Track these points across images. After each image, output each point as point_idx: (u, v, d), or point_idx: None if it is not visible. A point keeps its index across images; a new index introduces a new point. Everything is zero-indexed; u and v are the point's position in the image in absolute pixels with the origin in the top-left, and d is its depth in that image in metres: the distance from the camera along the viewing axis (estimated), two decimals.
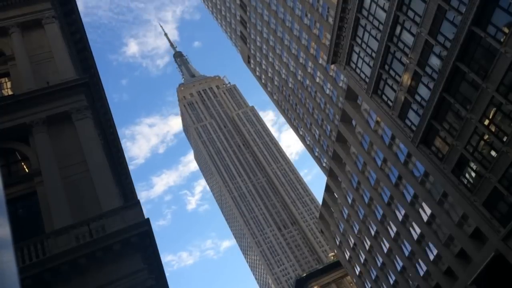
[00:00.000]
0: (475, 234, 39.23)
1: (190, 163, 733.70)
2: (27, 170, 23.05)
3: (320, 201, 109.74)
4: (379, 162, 52.47)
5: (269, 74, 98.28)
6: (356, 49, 48.60)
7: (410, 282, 54.72)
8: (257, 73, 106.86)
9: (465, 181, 38.73)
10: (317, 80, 74.90)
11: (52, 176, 21.54)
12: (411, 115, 42.71)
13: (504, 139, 33.57)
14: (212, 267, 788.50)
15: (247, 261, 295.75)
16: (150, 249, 19.37)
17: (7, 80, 27.15)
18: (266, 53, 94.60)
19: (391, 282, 59.75)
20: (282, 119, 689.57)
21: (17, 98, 24.36)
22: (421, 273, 50.86)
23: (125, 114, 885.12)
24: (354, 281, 78.51)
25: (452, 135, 38.33)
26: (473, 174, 38.18)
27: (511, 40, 30.70)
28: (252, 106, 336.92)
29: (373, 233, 60.88)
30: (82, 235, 18.36)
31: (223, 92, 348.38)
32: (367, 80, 47.82)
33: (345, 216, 69.79)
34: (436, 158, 40.81)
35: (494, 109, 34.12)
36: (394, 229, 53.98)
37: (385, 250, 58.50)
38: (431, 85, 38.57)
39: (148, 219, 19.00)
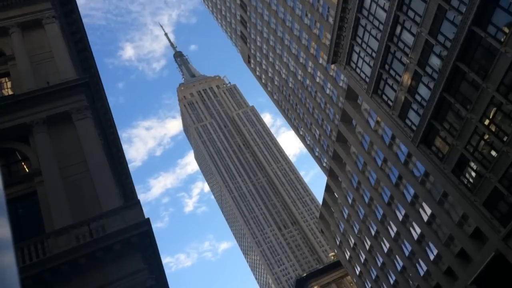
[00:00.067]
0: (475, 234, 39.22)
1: (187, 166, 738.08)
2: (27, 170, 23.05)
3: (320, 201, 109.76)
4: (379, 162, 52.47)
5: (269, 74, 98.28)
6: (356, 49, 48.60)
7: (410, 282, 54.72)
8: (257, 73, 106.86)
9: (466, 181, 38.73)
10: (317, 80, 74.89)
11: (52, 176, 21.54)
12: (412, 115, 42.71)
13: (505, 139, 33.57)
14: (210, 269, 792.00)
15: (247, 261, 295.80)
16: (150, 249, 19.37)
17: (7, 80, 27.16)
18: (266, 53, 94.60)
19: (391, 282, 59.75)
20: (279, 122, 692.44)
21: (17, 98, 24.36)
22: (421, 273, 50.86)
23: (122, 117, 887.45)
24: (354, 281, 78.51)
25: (452, 135, 38.33)
26: (474, 174, 38.18)
27: (511, 40, 30.69)
28: (253, 106, 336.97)
29: (373, 233, 60.88)
30: (82, 235, 18.37)
31: (223, 92, 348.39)
32: (367, 80, 47.81)
33: (345, 216, 69.79)
34: (436, 158, 40.80)
35: (494, 109, 34.11)
36: (394, 229, 53.98)
37: (385, 250, 58.49)
38: (431, 85, 38.57)
39: (148, 219, 19.00)
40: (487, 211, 36.79)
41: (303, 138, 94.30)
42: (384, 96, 46.26)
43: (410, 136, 43.10)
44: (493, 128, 34.80)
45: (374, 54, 45.16)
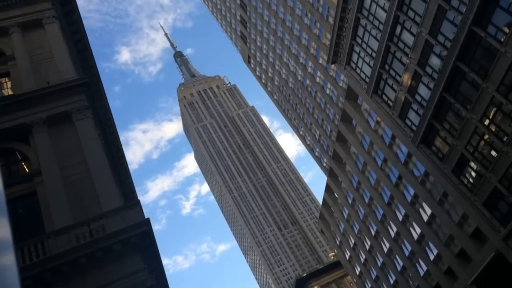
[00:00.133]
0: (475, 234, 39.22)
1: (184, 168, 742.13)
2: (27, 170, 23.05)
3: (320, 201, 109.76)
4: (379, 162, 52.47)
5: (269, 74, 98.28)
6: (356, 49, 48.60)
7: (410, 282, 54.72)
8: (257, 73, 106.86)
9: (466, 181, 38.73)
10: (317, 80, 74.89)
11: (53, 176, 21.54)
12: (412, 115, 42.71)
13: (505, 139, 33.57)
14: (208, 271, 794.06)
15: (248, 261, 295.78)
16: (150, 249, 19.37)
17: (7, 80, 27.16)
18: (266, 53, 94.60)
19: (391, 282, 59.75)
20: (276, 124, 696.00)
21: (17, 98, 24.36)
22: (421, 273, 50.85)
23: (119, 120, 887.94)
24: (354, 281, 78.51)
25: (452, 135, 38.33)
26: (474, 174, 38.18)
27: (511, 40, 30.69)
28: (253, 106, 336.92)
29: (373, 233, 60.88)
30: (82, 235, 18.37)
31: (223, 92, 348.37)
32: (367, 80, 47.81)
33: (345, 216, 69.79)
34: (436, 158, 40.80)
35: (495, 109, 34.12)
36: (394, 229, 53.98)
37: (385, 250, 58.49)
38: (431, 85, 38.57)
39: (148, 219, 19.00)
40: (487, 211, 36.79)
41: (303, 138, 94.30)
42: (384, 96, 46.26)
43: (410, 136, 43.10)
44: (493, 128, 34.80)
45: (374, 54, 45.16)
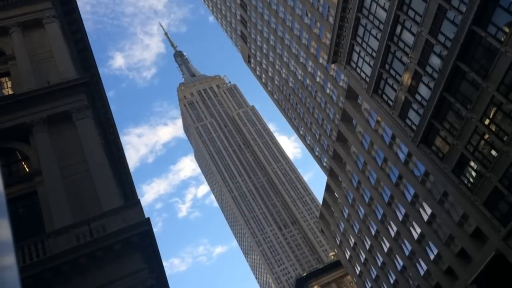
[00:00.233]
0: (476, 233, 39.22)
1: (180, 172, 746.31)
2: (27, 170, 23.05)
3: (320, 200, 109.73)
4: (379, 162, 52.46)
5: (270, 74, 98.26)
6: (357, 48, 48.59)
7: (411, 282, 54.72)
8: (258, 73, 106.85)
9: (466, 181, 38.72)
10: (318, 79, 74.87)
11: (53, 176, 21.54)
12: (412, 114, 42.70)
13: (505, 138, 33.56)
14: (205, 273, 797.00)
15: (248, 261, 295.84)
16: (150, 248, 19.38)
17: (7, 80, 27.15)
18: (266, 52, 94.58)
19: (392, 281, 59.75)
20: (272, 127, 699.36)
21: (17, 98, 24.36)
22: (422, 273, 50.86)
23: None
24: (355, 280, 78.52)
25: (452, 135, 38.32)
26: (474, 174, 38.17)
27: (511, 39, 30.68)
28: (253, 106, 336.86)
29: (373, 232, 60.88)
30: (82, 234, 18.37)
31: (223, 91, 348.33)
32: (367, 79, 47.80)
33: (346, 215, 69.79)
34: (436, 157, 40.80)
35: (495, 108, 34.11)
36: (395, 228, 53.98)
37: (386, 250, 58.49)
38: (431, 85, 38.56)
39: (148, 218, 19.01)
40: (487, 211, 36.79)
41: (303, 138, 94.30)
42: (384, 96, 46.25)
43: (410, 135, 43.09)
44: (493, 128, 34.80)
45: (374, 54, 45.15)
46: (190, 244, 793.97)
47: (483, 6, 31.72)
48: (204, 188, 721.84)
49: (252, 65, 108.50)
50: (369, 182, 56.97)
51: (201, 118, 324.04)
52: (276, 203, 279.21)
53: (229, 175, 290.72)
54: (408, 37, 40.14)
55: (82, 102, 24.53)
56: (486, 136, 35.63)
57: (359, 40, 47.63)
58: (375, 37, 44.39)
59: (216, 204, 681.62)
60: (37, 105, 24.03)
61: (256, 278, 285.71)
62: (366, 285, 70.37)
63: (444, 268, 45.76)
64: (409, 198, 48.24)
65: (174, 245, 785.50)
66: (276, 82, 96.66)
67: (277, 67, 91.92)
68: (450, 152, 39.01)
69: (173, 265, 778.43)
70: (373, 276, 65.98)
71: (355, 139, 56.95)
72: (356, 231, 67.27)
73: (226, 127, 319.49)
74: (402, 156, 47.05)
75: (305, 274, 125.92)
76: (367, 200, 59.48)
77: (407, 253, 52.96)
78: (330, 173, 70.36)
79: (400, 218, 51.53)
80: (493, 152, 35.38)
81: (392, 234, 55.02)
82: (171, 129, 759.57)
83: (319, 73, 73.55)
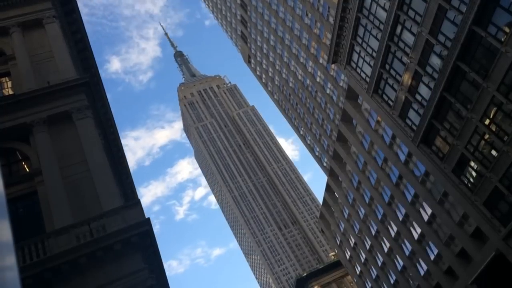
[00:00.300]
0: (476, 233, 39.21)
1: (177, 174, 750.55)
2: (27, 170, 23.05)
3: (320, 200, 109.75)
4: (379, 162, 52.46)
5: (270, 74, 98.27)
6: (357, 48, 48.58)
7: (411, 282, 54.71)
8: (258, 73, 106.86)
9: (466, 181, 38.72)
10: (318, 79, 74.88)
11: (53, 176, 21.55)
12: (412, 114, 42.70)
13: (505, 138, 33.56)
14: (203, 275, 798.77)
15: (248, 261, 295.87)
16: (150, 248, 19.38)
17: (7, 80, 27.16)
18: (266, 52, 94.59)
19: (392, 281, 59.75)
20: (271, 129, 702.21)
21: (17, 98, 24.36)
22: (422, 273, 50.85)
23: None
24: (355, 280, 78.51)
25: (452, 135, 38.32)
26: (474, 174, 38.16)
27: (511, 39, 30.67)
28: (253, 106, 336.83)
29: (373, 232, 60.87)
30: (82, 234, 18.37)
31: (223, 91, 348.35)
32: (367, 79, 47.80)
33: (346, 215, 69.78)
34: (436, 157, 40.79)
35: (495, 108, 34.10)
36: (395, 228, 53.97)
37: (386, 250, 58.49)
38: (431, 85, 38.55)
39: (148, 218, 19.01)
40: (487, 211, 36.78)
41: (303, 138, 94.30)
42: (384, 96, 46.25)
43: (410, 135, 43.09)
44: (493, 128, 34.79)
45: (374, 54, 45.14)
46: (188, 246, 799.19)
47: (483, 6, 31.71)
48: (202, 190, 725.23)
49: (252, 65, 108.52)
50: (369, 182, 56.96)
51: (201, 118, 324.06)
52: (276, 203, 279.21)
53: (229, 175, 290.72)
54: (408, 37, 40.14)
55: (82, 102, 24.53)
56: (486, 136, 35.62)
57: (359, 40, 47.63)
58: (375, 37, 44.38)
59: (213, 206, 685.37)
60: (37, 105, 24.03)
61: (257, 278, 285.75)
62: (366, 285, 70.37)
63: (444, 268, 45.76)
64: (409, 198, 48.23)
65: (172, 247, 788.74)
66: (276, 82, 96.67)
67: (277, 67, 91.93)
68: (450, 152, 39.00)
69: (171, 267, 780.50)
70: (373, 276, 65.97)
71: (355, 139, 56.95)
72: (356, 231, 67.26)
73: (226, 127, 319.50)
74: (402, 156, 47.05)
75: (305, 274, 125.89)
76: (367, 200, 59.48)
77: (407, 253, 52.96)
78: (330, 173, 70.36)
79: (400, 218, 51.52)
80: (493, 152, 35.38)
81: (392, 234, 55.01)
82: (168, 132, 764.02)
83: (319, 73, 73.54)
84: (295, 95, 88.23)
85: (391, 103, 45.15)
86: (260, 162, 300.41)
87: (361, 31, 46.96)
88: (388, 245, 57.37)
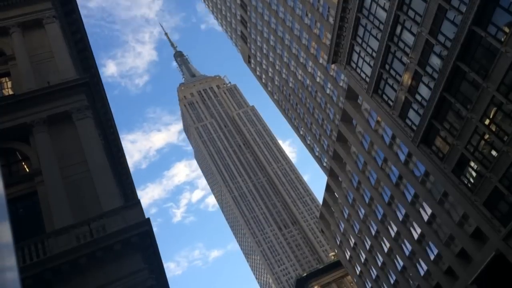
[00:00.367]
0: (476, 233, 39.21)
1: (174, 177, 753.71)
2: (27, 170, 23.05)
3: (320, 200, 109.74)
4: (379, 162, 52.46)
5: (270, 74, 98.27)
6: (357, 48, 48.59)
7: (411, 282, 54.71)
8: (258, 73, 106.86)
9: (466, 181, 38.72)
10: (318, 79, 74.88)
11: (53, 176, 21.54)
12: (412, 114, 42.70)
13: (505, 138, 33.56)
14: (201, 277, 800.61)
15: (248, 262, 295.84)
16: (150, 249, 19.38)
17: (7, 80, 27.15)
18: (266, 52, 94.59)
19: (392, 281, 59.74)
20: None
21: (17, 98, 24.36)
22: (422, 273, 50.85)
23: None
24: (355, 280, 78.51)
25: (452, 135, 38.32)
26: (474, 174, 38.16)
27: (511, 39, 30.68)
28: (253, 106, 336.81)
29: (373, 232, 60.87)
30: (82, 234, 18.37)
31: (223, 91, 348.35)
32: (367, 79, 47.80)
33: (346, 215, 69.78)
34: (436, 157, 40.79)
35: (495, 108, 34.11)
36: (395, 228, 53.97)
37: (386, 250, 58.49)
38: (431, 85, 38.56)
39: (148, 218, 19.01)
40: (487, 211, 36.78)
41: (303, 138, 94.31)
42: (384, 96, 46.25)
43: (410, 136, 43.09)
44: (493, 128, 34.79)
45: (374, 54, 45.15)
46: (185, 249, 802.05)
47: (483, 6, 31.72)
48: (199, 193, 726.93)
49: (252, 66, 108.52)
50: (369, 182, 56.96)
51: (201, 118, 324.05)
52: (276, 203, 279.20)
53: (229, 175, 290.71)
54: (408, 37, 40.14)
55: (82, 102, 24.52)
56: (486, 136, 35.62)
57: (359, 40, 47.63)
58: (375, 37, 44.38)
59: (211, 208, 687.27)
60: (37, 105, 24.03)
61: (257, 278, 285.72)
62: (366, 285, 70.36)
63: (444, 268, 45.76)
64: (409, 198, 48.23)
65: (169, 249, 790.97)
66: (276, 83, 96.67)
67: (277, 67, 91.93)
68: (450, 152, 39.00)
69: (168, 269, 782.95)
70: (373, 276, 65.97)
71: (355, 139, 56.95)
72: (356, 231, 67.25)
73: (226, 127, 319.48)
74: (402, 156, 47.05)
75: (305, 274, 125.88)
76: (367, 200, 59.48)
77: (407, 253, 52.96)
78: (330, 173, 70.35)
79: (400, 218, 51.52)
80: (493, 152, 35.38)
81: (392, 234, 55.01)
82: (165, 135, 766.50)
83: (319, 73, 73.55)
84: (295, 95, 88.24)
85: (391, 103, 45.15)
86: (260, 162, 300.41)
87: (361, 31, 46.96)
88: (388, 245, 57.37)
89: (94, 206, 20.61)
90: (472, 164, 37.74)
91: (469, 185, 38.28)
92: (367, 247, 64.79)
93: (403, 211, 50.39)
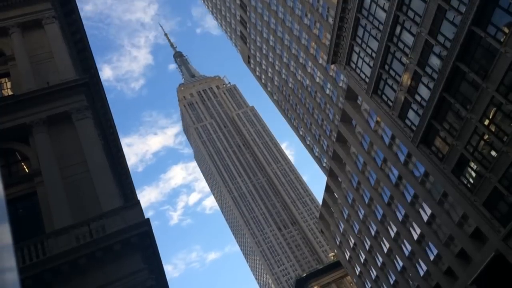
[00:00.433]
0: (475, 234, 39.21)
1: (170, 180, 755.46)
2: (27, 170, 23.04)
3: (320, 201, 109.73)
4: (379, 162, 52.46)
5: (269, 74, 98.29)
6: (356, 49, 48.60)
7: (410, 282, 54.71)
8: (257, 73, 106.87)
9: (465, 181, 38.72)
10: (317, 80, 74.89)
11: (52, 176, 21.53)
12: (411, 115, 42.70)
13: (504, 139, 33.57)
14: (199, 279, 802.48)
15: (248, 262, 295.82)
16: (150, 249, 19.38)
17: (7, 80, 27.16)
18: (266, 53, 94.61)
19: (391, 282, 59.74)
20: None
21: (17, 98, 24.35)
22: (421, 273, 50.85)
23: None
24: (354, 281, 78.50)
25: (452, 135, 38.32)
26: (473, 174, 38.17)
27: (511, 40, 30.69)
28: (252, 106, 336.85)
29: (373, 233, 60.87)
30: (82, 235, 18.37)
31: (223, 92, 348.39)
32: (367, 80, 47.81)
33: (345, 216, 69.78)
34: (436, 158, 40.80)
35: (494, 109, 34.12)
36: (394, 229, 53.97)
37: (385, 250, 58.48)
38: (431, 85, 38.57)
39: (148, 219, 19.01)
40: (487, 211, 36.78)
41: (303, 138, 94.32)
42: (384, 96, 46.26)
43: (410, 136, 43.10)
44: (493, 128, 34.80)
45: (374, 54, 45.16)
46: (183, 251, 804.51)
47: (483, 6, 31.73)
48: (196, 195, 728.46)
49: (252, 66, 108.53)
50: (368, 182, 56.96)
51: (200, 118, 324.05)
52: (275, 203, 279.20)
53: (228, 176, 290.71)
54: (407, 38, 40.15)
55: (81, 102, 24.52)
56: (486, 137, 35.63)
57: (359, 41, 47.64)
58: (375, 38, 44.40)
59: (208, 211, 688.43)
60: (37, 105, 24.02)
61: (256, 279, 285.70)
62: (366, 285, 70.35)
63: (444, 269, 45.76)
64: (408, 198, 48.23)
65: (167, 252, 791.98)
66: (275, 83, 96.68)
67: (276, 67, 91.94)
68: (450, 153, 39.01)
69: (166, 271, 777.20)
70: (373, 277, 65.96)
71: (354, 139, 56.96)
72: (356, 231, 67.25)
73: (225, 127, 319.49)
74: (401, 157, 47.05)
75: (305, 274, 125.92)
76: (366, 200, 59.48)
77: (407, 253, 52.96)
78: (330, 173, 70.33)
79: (400, 218, 51.52)
80: (493, 153, 35.39)
81: (392, 234, 55.01)
82: (161, 139, 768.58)
83: (318, 73, 73.57)
84: (294, 95, 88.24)
85: (390, 104, 45.16)
86: (259, 163, 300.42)
87: (360, 31, 46.97)
88: (387, 245, 57.37)
89: (93, 206, 20.61)
90: (471, 164, 37.75)
91: (469, 186, 38.29)
92: (367, 247, 64.80)
93: (403, 212, 50.40)
